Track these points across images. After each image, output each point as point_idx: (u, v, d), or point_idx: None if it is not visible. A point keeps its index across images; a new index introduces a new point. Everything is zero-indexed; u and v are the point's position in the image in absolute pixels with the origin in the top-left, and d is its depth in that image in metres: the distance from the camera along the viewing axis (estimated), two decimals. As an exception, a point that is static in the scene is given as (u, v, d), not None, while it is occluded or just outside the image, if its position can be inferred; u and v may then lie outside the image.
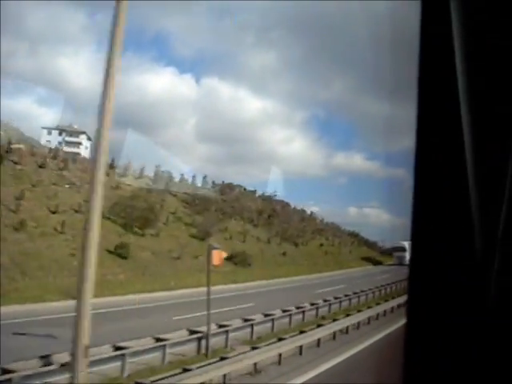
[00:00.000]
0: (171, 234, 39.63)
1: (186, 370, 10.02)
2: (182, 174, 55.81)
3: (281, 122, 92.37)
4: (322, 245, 60.19)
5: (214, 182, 59.64)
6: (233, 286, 32.56)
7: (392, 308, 26.97)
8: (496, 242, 0.71)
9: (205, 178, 57.72)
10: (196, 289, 29.70)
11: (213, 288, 31.31)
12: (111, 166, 51.22)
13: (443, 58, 0.75)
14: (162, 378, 10.28)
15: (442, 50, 0.75)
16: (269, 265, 42.08)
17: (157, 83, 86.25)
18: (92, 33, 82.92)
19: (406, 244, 61.27)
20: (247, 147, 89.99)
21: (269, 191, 64.65)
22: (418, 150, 0.83)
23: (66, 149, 63.06)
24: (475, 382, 0.76)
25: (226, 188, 59.69)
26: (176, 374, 10.22)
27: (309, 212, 74.31)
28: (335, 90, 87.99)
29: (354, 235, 78.49)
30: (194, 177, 56.92)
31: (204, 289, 30.79)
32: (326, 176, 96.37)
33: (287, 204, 69.21)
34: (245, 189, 65.11)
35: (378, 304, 25.69)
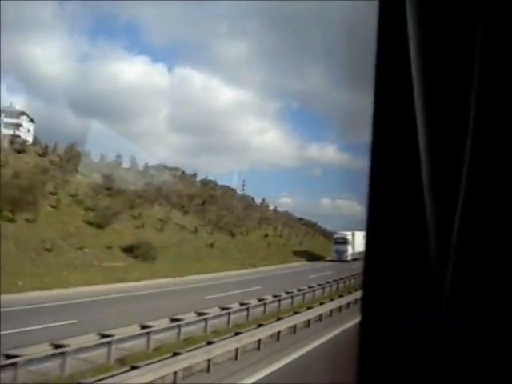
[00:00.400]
0: (59, 220, 31.81)
1: None
2: (103, 153, 47.89)
3: (254, 113, 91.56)
4: (266, 235, 53.03)
5: (146, 164, 51.86)
6: (117, 285, 25.03)
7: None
8: (451, 242, 0.72)
9: (133, 159, 49.78)
10: (53, 291, 22.12)
11: (75, 290, 24.08)
12: (11, 142, 43.37)
13: (398, 57, 0.77)
14: None
15: (397, 49, 0.77)
16: (185, 258, 34.63)
17: (129, 72, 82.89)
18: (62, 21, 77.96)
19: (349, 235, 52.40)
20: (220, 137, 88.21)
21: (236, 182, 59.05)
22: (374, 150, 0.83)
23: (5, 131, 55.03)
24: (430, 382, 0.79)
25: (159, 170, 51.89)
26: None
27: (259, 200, 67.37)
28: (309, 81, 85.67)
29: (310, 225, 72.22)
30: (118, 157, 48.92)
31: (64, 291, 23.52)
32: (300, 167, 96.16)
33: (231, 189, 61.94)
34: (183, 172, 57.40)
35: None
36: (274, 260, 44.08)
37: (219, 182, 60.71)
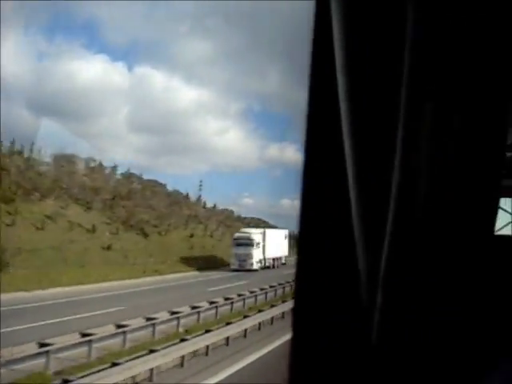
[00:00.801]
0: None
1: None
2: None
3: (216, 113, 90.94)
4: (191, 236, 46.17)
5: (53, 155, 43.98)
6: None
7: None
8: (382, 252, 0.70)
9: (32, 144, 41.93)
10: None
11: None
12: None
13: (325, 58, 0.76)
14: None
15: (324, 51, 0.77)
16: (62, 265, 27.54)
17: (88, 71, 79.49)
18: (17, 18, 75.50)
19: (257, 234, 40.17)
20: (181, 138, 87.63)
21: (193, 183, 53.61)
22: (305, 152, 0.81)
23: None
24: None
25: (63, 159, 44.16)
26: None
27: (195, 196, 60.58)
28: (271, 82, 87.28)
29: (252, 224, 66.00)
30: (12, 142, 40.98)
31: None
32: (261, 168, 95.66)
33: (159, 184, 54.84)
34: (100, 163, 49.65)
35: None
36: (192, 264, 37.23)
37: (146, 177, 53.66)
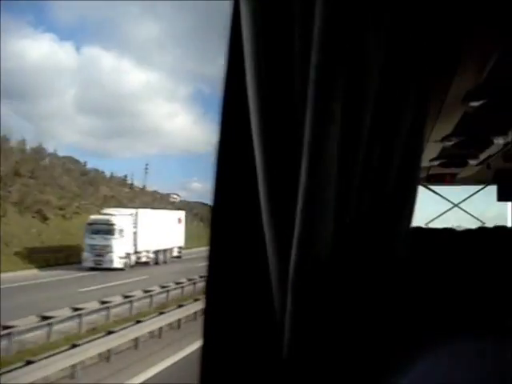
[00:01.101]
0: None
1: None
2: None
3: (165, 96, 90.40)
4: (106, 219, 40.42)
5: None
6: None
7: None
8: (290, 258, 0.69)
9: None
10: None
11: None
12: None
13: (240, 58, 0.76)
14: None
15: (238, 50, 0.76)
16: None
17: (34, 50, 77.14)
18: None
19: (125, 217, 27.97)
20: (131, 121, 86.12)
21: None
22: (216, 163, 0.80)
23: None
24: None
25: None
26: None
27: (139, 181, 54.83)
28: (220, 66, 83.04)
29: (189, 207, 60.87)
30: None
31: None
32: (210, 152, 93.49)
33: (76, 161, 48.67)
34: (5, 136, 42.87)
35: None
36: (36, 260, 28.05)
37: (61, 153, 47.33)
